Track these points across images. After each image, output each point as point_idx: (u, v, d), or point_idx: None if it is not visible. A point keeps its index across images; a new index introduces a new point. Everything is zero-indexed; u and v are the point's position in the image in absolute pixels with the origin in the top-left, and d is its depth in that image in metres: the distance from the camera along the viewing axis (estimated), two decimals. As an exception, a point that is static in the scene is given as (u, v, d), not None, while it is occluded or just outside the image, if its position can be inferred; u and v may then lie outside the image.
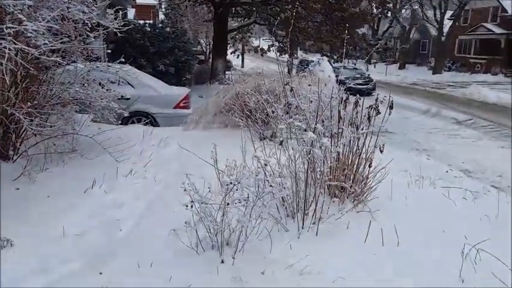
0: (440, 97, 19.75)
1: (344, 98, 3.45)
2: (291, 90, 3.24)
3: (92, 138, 4.84)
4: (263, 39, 41.02)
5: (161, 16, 26.50)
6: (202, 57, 31.95)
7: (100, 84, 4.91)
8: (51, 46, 3.65)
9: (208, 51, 31.86)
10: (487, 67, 30.98)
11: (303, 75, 5.71)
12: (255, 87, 6.21)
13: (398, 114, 13.35)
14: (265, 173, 2.63)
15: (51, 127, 4.36)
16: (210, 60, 18.96)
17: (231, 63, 30.46)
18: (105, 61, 7.64)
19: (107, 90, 5.06)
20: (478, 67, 31.73)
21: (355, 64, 22.82)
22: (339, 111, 3.34)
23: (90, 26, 4.76)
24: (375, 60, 34.77)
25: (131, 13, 24.02)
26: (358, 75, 21.01)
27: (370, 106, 3.26)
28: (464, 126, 12.46)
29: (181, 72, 15.20)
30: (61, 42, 4.09)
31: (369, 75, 21.85)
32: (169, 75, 13.91)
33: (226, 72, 19.15)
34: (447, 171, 6.48)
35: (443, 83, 26.26)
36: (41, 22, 3.50)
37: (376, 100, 3.30)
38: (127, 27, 5.01)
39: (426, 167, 6.11)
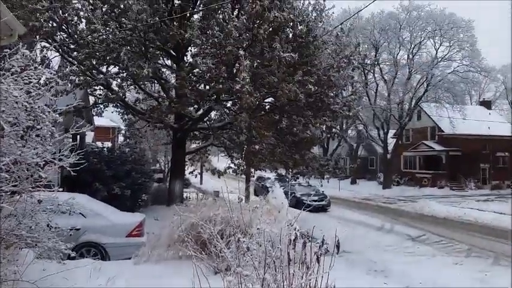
0: (392, 212, 20.45)
1: (293, 238, 3.54)
2: (238, 240, 3.32)
3: (34, 284, 4.51)
4: (221, 156, 42.33)
5: (121, 138, 27.11)
6: (160, 175, 32.12)
7: (48, 226, 4.78)
8: (-1, 192, 3.62)
9: (166, 169, 32.17)
10: (433, 181, 33.09)
11: (255, 206, 5.86)
12: (209, 217, 6.25)
13: (353, 231, 13.60)
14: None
15: (-12, 275, 4.08)
16: (169, 178, 19.17)
17: (189, 181, 30.68)
18: (58, 190, 7.51)
19: (55, 229, 4.92)
20: (425, 181, 33.79)
21: (309, 181, 23.67)
22: (288, 253, 3.41)
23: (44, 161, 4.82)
24: (328, 176, 36.27)
25: (90, 136, 24.37)
26: (313, 192, 21.65)
27: (318, 248, 3.37)
28: (418, 243, 12.75)
29: (138, 194, 15.05)
30: (12, 186, 4.07)
31: (323, 191, 22.61)
32: (124, 198, 13.71)
33: (184, 190, 19.24)
34: (404, 297, 6.47)
35: (393, 198, 27.47)
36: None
37: (323, 243, 3.43)
38: (81, 166, 5.10)
39: (384, 295, 6.08)
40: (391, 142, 34.76)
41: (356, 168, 37.58)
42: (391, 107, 31.74)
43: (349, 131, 37.85)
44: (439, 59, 30.98)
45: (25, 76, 4.30)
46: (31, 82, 4.29)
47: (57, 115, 4.54)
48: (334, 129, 15.57)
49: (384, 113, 32.50)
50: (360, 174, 39.67)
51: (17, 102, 4.16)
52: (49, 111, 4.38)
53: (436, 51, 31.59)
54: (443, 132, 33.06)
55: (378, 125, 34.11)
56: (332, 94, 13.38)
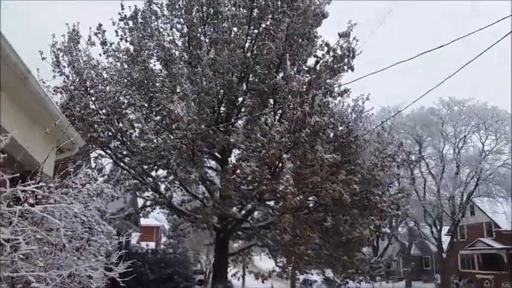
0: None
1: None
2: None
3: None
4: (264, 255, 41.03)
5: (163, 239, 27.27)
6: (202, 276, 31.33)
7: None
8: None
9: (208, 270, 31.43)
10: (496, 283, 30.07)
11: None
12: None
13: None
14: None
15: None
16: (210, 280, 18.62)
17: (231, 284, 29.57)
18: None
19: None
20: (486, 283, 30.78)
21: (359, 286, 22.18)
22: None
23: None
24: (379, 278, 33.87)
25: (136, 236, 24.71)
26: (365, 298, 20.13)
27: None
28: None
29: (179, 300, 14.69)
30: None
31: (376, 297, 20.97)
32: (166, 306, 13.40)
33: (227, 294, 18.49)
34: None
35: (455, 303, 24.95)
36: (49, 285, 3.62)
37: None
38: (128, 275, 5.12)
39: None
40: (446, 240, 32.60)
41: (410, 269, 35.11)
42: (441, 203, 30.33)
43: (400, 229, 36.01)
44: (487, 153, 30.08)
45: (85, 190, 4.58)
46: (90, 196, 4.55)
47: (111, 228, 4.70)
48: (383, 229, 14.87)
49: (434, 209, 31.00)
50: (414, 275, 36.79)
51: (75, 216, 4.38)
52: (104, 224, 4.56)
53: (483, 145, 30.85)
54: (500, 228, 30.89)
55: (430, 221, 32.36)
56: (378, 192, 13.07)
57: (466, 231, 34.83)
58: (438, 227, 32.11)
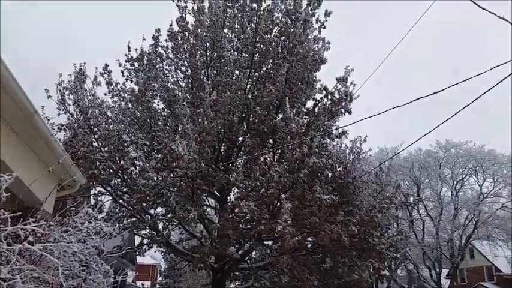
0: None
1: None
2: None
3: None
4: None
5: (159, 278, 26.75)
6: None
7: None
8: None
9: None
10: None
11: None
12: None
13: None
14: None
15: None
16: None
17: (228, 326, 28.67)
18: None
19: None
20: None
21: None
22: None
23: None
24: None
25: (131, 275, 24.26)
26: None
27: None
28: None
29: None
30: None
31: None
32: None
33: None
34: None
35: None
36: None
37: None
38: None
39: None
40: (446, 283, 31.87)
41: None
42: (440, 245, 29.91)
43: (399, 271, 35.27)
44: (485, 195, 30.00)
45: (84, 229, 4.66)
46: (89, 235, 4.62)
47: (108, 267, 4.74)
48: (382, 271, 14.67)
49: (433, 251, 30.54)
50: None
51: (73, 255, 4.44)
52: (102, 263, 4.60)
53: (481, 188, 30.82)
54: (501, 272, 30.33)
55: (429, 264, 31.79)
56: (377, 234, 13.02)
57: (466, 275, 34.19)
58: (438, 270, 31.52)
